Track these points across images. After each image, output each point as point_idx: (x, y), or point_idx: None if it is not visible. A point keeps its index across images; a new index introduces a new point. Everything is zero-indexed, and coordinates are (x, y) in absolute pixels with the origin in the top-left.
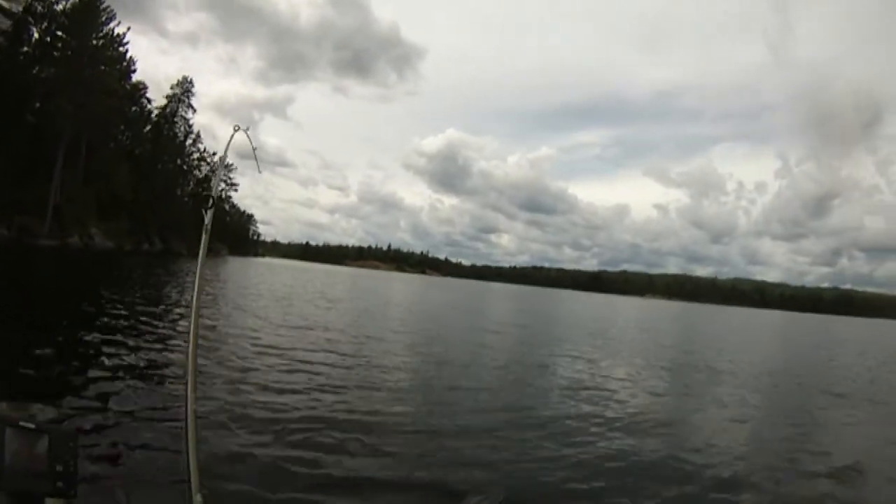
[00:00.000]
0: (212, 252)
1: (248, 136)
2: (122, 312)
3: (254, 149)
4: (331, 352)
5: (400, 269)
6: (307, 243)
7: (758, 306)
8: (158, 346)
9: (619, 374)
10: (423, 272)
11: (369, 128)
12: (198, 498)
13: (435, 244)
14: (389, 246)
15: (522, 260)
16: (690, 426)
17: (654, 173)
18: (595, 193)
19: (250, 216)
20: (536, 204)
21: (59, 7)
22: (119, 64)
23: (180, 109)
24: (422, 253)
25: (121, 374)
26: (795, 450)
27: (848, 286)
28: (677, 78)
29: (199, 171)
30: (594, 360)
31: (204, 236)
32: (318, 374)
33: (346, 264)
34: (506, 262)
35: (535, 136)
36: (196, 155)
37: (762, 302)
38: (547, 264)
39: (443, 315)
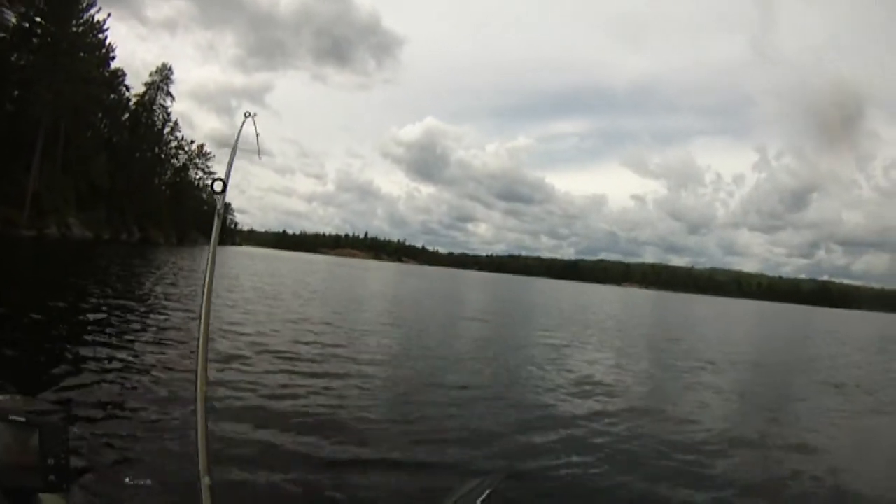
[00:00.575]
0: (188, 241)
1: (254, 122)
2: (108, 303)
3: (257, 135)
4: (325, 343)
5: (377, 257)
6: (284, 232)
7: (735, 296)
8: (147, 336)
9: (603, 359)
10: (401, 260)
11: (348, 116)
12: (206, 480)
13: (412, 232)
14: (366, 234)
15: (499, 249)
16: (673, 407)
17: (633, 164)
18: (573, 183)
19: (227, 205)
20: (514, 193)
21: None
22: (98, 51)
23: (159, 97)
24: (399, 241)
25: (109, 364)
26: (771, 432)
27: (825, 278)
28: (657, 69)
29: (177, 159)
30: (577, 346)
31: (216, 220)
32: (313, 364)
33: (322, 252)
34: (483, 251)
35: (513, 125)
36: (174, 143)
37: (739, 292)
38: (524, 253)
39: (428, 305)
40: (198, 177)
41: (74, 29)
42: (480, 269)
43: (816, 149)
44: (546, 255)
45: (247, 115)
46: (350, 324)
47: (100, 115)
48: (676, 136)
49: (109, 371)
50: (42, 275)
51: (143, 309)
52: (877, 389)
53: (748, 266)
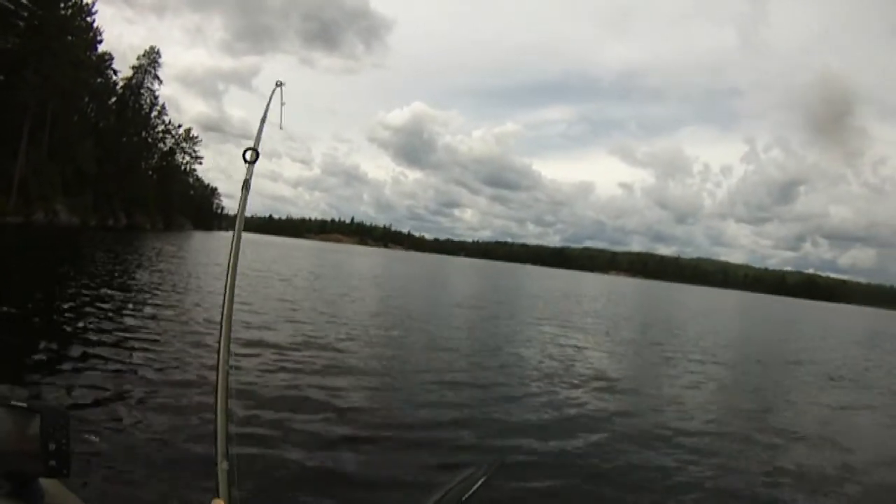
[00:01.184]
0: (175, 226)
1: (281, 93)
2: (111, 290)
3: (282, 104)
4: (329, 331)
5: (363, 242)
6: (270, 217)
7: (721, 286)
8: (147, 323)
9: (595, 349)
10: (387, 246)
11: (335, 100)
12: (223, 465)
13: (398, 218)
14: (353, 219)
15: (485, 235)
16: (663, 396)
17: (620, 152)
18: (560, 170)
19: (214, 189)
20: (500, 179)
21: None
22: (86, 34)
23: (146, 81)
24: (385, 226)
25: (110, 352)
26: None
27: (811, 271)
28: (647, 58)
29: (164, 144)
30: (568, 335)
31: (243, 193)
32: (324, 353)
33: (308, 238)
34: (468, 237)
35: (500, 111)
36: (161, 127)
37: (725, 282)
38: (510, 239)
39: (420, 292)
40: (184, 161)
41: (63, 12)
42: (466, 255)
43: (805, 143)
44: (532, 241)
45: (278, 83)
46: (354, 312)
47: (86, 99)
48: (665, 126)
49: (110, 358)
50: (35, 262)
51: (141, 294)
52: (870, 383)
53: (734, 257)
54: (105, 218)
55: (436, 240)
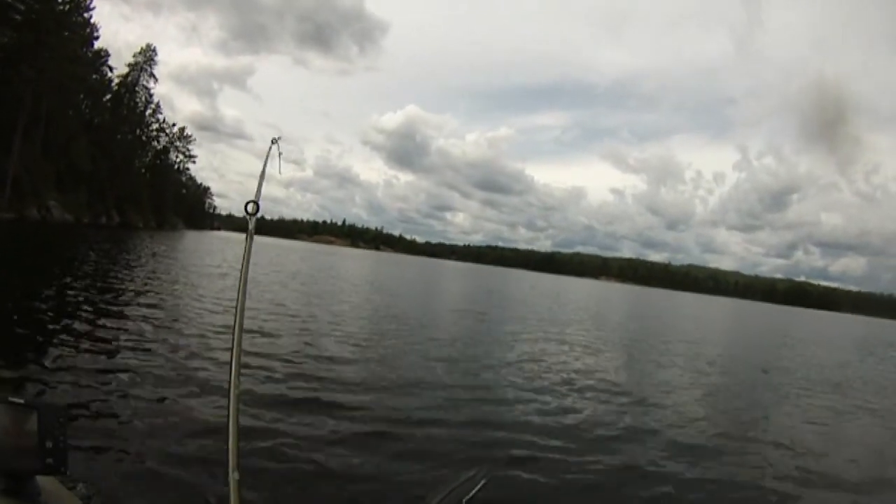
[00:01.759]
0: (167, 225)
1: (279, 148)
2: (105, 293)
3: (279, 155)
4: (333, 338)
5: (354, 244)
6: (262, 217)
7: (711, 293)
8: (147, 322)
9: (590, 356)
10: (378, 248)
11: (328, 102)
12: (235, 475)
13: (389, 220)
14: (344, 221)
15: (476, 239)
16: (659, 401)
17: (612, 158)
18: (552, 175)
19: (207, 189)
20: (492, 183)
21: None
22: (83, 30)
23: (142, 78)
24: (376, 229)
25: (108, 348)
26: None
27: (802, 279)
28: (641, 65)
29: (158, 142)
30: (562, 342)
31: (247, 242)
32: (328, 359)
33: (300, 239)
34: (460, 241)
35: (494, 115)
36: (155, 125)
37: (716, 289)
38: (501, 244)
39: (417, 296)
40: (178, 160)
41: (60, 7)
42: (458, 258)
43: (798, 150)
44: (523, 246)
45: (274, 140)
46: (355, 318)
47: (81, 96)
48: (657, 132)
49: (111, 357)
50: (32, 258)
51: (143, 296)
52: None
53: (725, 264)
54: (98, 215)
55: (427, 243)
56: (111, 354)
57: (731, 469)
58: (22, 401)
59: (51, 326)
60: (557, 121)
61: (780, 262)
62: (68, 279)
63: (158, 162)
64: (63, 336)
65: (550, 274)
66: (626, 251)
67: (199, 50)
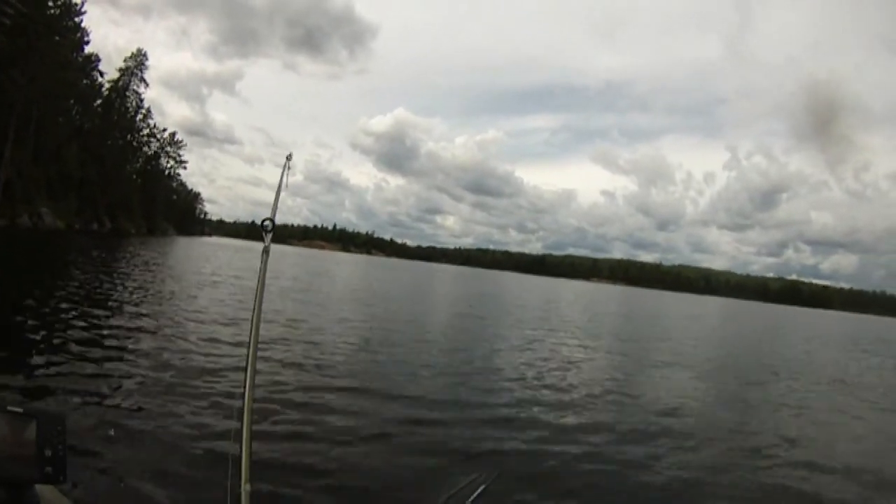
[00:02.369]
0: (159, 231)
1: (289, 165)
2: (110, 295)
3: (287, 169)
4: (335, 342)
5: (345, 249)
6: (252, 222)
7: (703, 293)
8: (144, 329)
9: (589, 357)
10: (369, 252)
11: (318, 106)
12: (247, 487)
13: (380, 224)
14: (335, 226)
15: (467, 242)
16: (659, 401)
17: (603, 160)
18: (542, 177)
19: (197, 194)
20: (483, 186)
21: None
22: (73, 34)
23: (132, 83)
24: (367, 233)
25: (108, 357)
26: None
27: (793, 277)
28: (630, 67)
29: (149, 147)
30: (560, 343)
31: (263, 257)
32: (331, 365)
33: (291, 244)
34: (451, 244)
35: (483, 118)
36: (146, 131)
37: (707, 289)
38: (492, 246)
39: (415, 299)
40: (169, 165)
41: (51, 11)
42: (448, 262)
43: (788, 150)
44: (514, 248)
45: (288, 157)
46: (356, 324)
47: (72, 101)
48: (647, 133)
49: (112, 365)
50: (28, 265)
51: (136, 304)
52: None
53: (716, 263)
54: (89, 222)
55: (418, 246)
56: (110, 362)
57: (731, 469)
58: (20, 410)
59: (49, 334)
60: (547, 123)
61: (771, 260)
62: (62, 286)
63: (149, 168)
64: (61, 344)
65: (542, 276)
66: (617, 252)
67: (189, 54)
